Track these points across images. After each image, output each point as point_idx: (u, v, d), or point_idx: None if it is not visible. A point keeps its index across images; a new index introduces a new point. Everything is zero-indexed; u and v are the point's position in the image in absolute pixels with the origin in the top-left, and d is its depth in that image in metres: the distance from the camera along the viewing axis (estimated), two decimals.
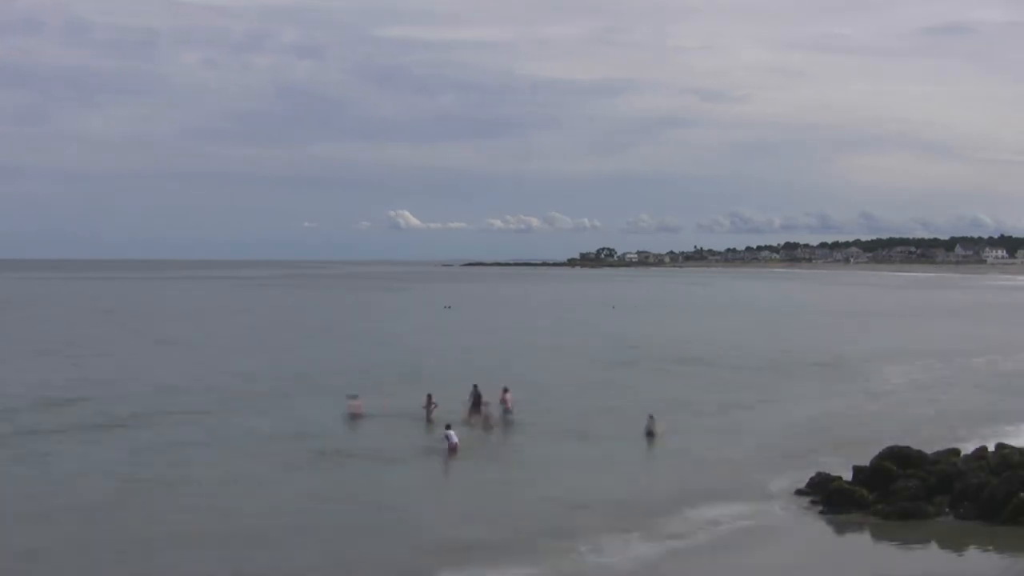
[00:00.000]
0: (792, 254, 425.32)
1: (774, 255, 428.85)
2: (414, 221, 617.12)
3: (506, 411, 34.73)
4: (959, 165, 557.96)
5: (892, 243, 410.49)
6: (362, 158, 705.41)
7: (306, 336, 70.23)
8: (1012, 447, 25.24)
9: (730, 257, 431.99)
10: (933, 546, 20.95)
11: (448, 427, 30.04)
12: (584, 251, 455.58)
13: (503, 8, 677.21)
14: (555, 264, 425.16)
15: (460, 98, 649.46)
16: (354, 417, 34.77)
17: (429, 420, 33.83)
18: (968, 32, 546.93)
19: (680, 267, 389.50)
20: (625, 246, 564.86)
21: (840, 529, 22.27)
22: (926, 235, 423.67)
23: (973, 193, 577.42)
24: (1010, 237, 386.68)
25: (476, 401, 35.30)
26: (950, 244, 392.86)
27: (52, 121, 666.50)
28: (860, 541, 21.62)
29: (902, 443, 26.11)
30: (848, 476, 24.56)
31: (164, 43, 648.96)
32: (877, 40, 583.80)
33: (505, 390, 35.31)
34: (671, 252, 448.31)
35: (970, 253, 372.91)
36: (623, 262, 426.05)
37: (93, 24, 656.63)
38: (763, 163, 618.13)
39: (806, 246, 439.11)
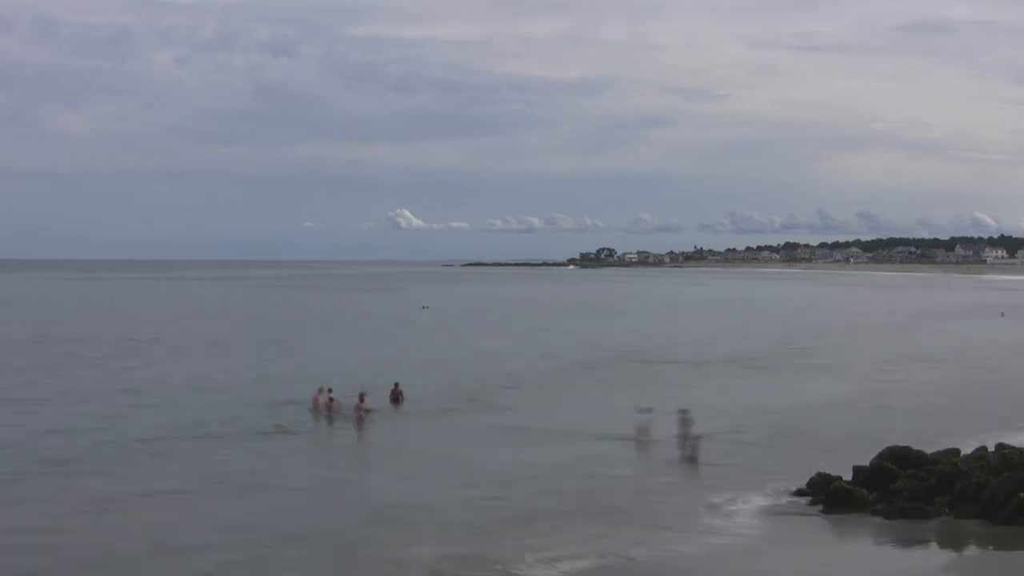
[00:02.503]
0: (792, 254, 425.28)
1: (774, 255, 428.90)
2: (416, 221, 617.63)
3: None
4: (954, 165, 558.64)
5: (892, 243, 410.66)
6: (359, 158, 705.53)
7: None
8: (1012, 447, 25.20)
9: (730, 257, 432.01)
10: (933, 546, 20.90)
11: None
12: (585, 251, 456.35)
13: (470, 6, 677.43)
14: (555, 264, 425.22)
15: (443, 96, 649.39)
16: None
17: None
18: (943, 31, 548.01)
19: (680, 267, 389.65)
20: (627, 245, 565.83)
21: (840, 529, 22.26)
22: (926, 235, 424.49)
23: (973, 193, 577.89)
24: (1010, 237, 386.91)
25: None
26: (950, 244, 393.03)
27: (33, 120, 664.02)
28: (860, 541, 21.60)
29: (902, 443, 26.11)
30: (848, 476, 24.54)
31: (135, 42, 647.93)
32: (854, 38, 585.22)
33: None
34: (671, 252, 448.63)
35: (970, 253, 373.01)
36: (623, 262, 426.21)
37: (61, 22, 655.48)
38: (759, 162, 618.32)
39: (806, 246, 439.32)
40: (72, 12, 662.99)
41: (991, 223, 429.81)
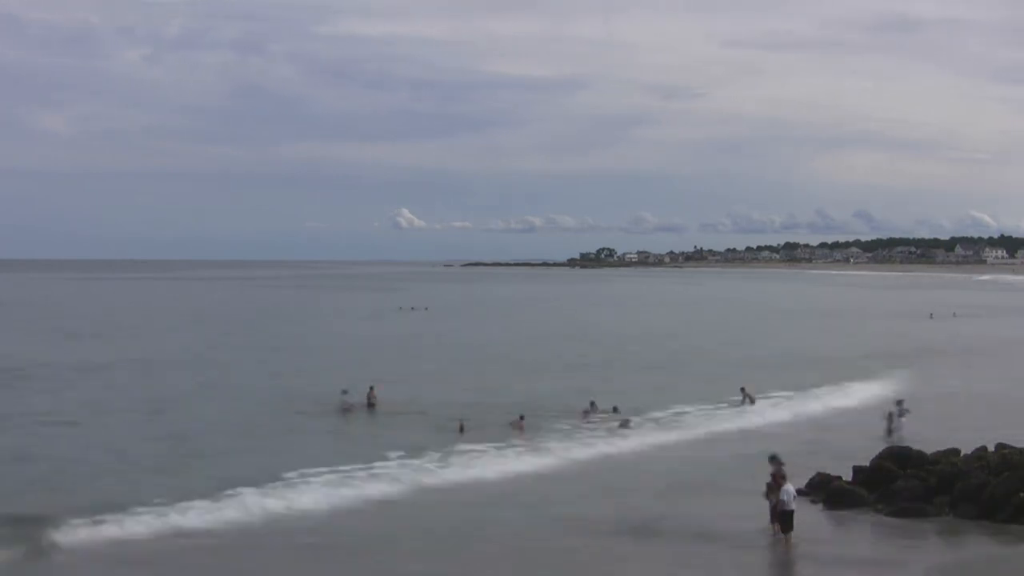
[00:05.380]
0: (792, 254, 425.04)
1: (774, 255, 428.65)
2: (416, 221, 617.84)
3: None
4: (952, 165, 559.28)
5: (892, 243, 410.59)
6: (359, 158, 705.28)
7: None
8: (1012, 447, 25.21)
9: (730, 257, 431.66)
10: (933, 546, 20.91)
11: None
12: (585, 251, 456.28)
13: (440, 4, 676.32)
14: (555, 264, 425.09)
15: (428, 94, 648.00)
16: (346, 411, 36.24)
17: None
18: (915, 30, 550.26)
19: (680, 267, 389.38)
20: (627, 245, 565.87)
21: (840, 530, 22.23)
22: (927, 235, 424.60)
23: (972, 193, 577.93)
24: (1010, 237, 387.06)
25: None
26: (950, 244, 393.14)
27: (18, 121, 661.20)
28: (860, 541, 21.58)
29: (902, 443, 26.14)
30: (848, 476, 24.53)
31: (100, 40, 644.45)
32: (827, 35, 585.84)
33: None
34: (671, 252, 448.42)
35: (970, 253, 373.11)
36: (623, 262, 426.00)
37: (25, 21, 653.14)
38: (758, 162, 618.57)
39: (806, 246, 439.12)
40: (35, 10, 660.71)
41: (991, 223, 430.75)
